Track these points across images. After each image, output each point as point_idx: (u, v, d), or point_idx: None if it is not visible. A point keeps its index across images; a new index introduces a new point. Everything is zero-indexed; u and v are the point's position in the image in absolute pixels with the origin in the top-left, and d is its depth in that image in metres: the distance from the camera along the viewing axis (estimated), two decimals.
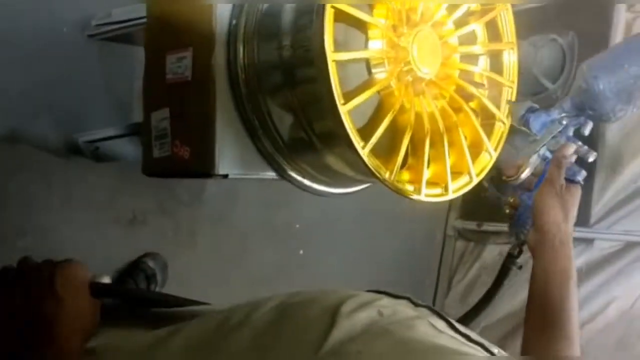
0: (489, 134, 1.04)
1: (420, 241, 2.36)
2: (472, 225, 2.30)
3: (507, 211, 1.02)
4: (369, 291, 0.68)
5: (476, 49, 1.02)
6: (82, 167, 1.48)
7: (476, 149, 1.02)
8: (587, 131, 0.95)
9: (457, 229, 2.37)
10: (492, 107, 1.03)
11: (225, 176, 0.94)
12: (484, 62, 1.05)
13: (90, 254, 1.52)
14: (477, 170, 1.02)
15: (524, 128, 0.94)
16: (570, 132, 0.95)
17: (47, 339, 0.64)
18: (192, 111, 0.96)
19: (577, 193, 0.92)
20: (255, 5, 0.91)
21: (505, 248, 2.21)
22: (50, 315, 0.65)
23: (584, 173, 0.93)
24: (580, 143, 0.94)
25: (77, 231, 1.51)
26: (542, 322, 0.87)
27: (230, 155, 0.94)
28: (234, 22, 0.92)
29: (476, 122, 1.00)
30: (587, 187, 1.96)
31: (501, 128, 1.05)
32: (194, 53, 0.95)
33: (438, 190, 0.95)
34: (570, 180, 0.93)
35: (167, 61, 0.98)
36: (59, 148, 1.45)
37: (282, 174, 1.00)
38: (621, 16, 2.04)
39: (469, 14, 1.01)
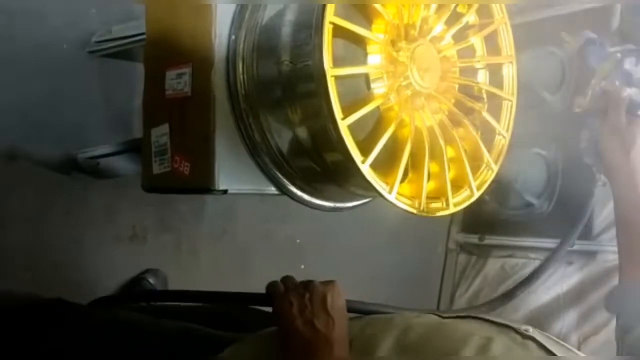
0: (489, 147, 1.04)
1: (422, 255, 2.36)
2: (474, 238, 2.29)
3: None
4: (463, 316, 0.76)
5: (475, 62, 1.02)
6: (83, 184, 1.49)
7: (476, 163, 1.02)
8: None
9: (458, 243, 2.36)
10: (492, 121, 1.03)
11: (225, 192, 0.93)
12: (483, 76, 1.05)
13: (91, 270, 1.52)
14: (478, 184, 1.01)
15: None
16: (627, 65, 0.96)
17: (324, 351, 0.76)
18: (192, 127, 0.96)
19: (637, 126, 0.94)
20: (255, 20, 0.92)
21: (508, 261, 2.22)
22: (323, 330, 0.77)
23: None
24: (634, 90, 0.96)
25: (78, 248, 1.51)
26: (630, 248, 0.95)
27: (230, 171, 0.94)
28: (233, 37, 0.92)
29: (476, 136, 1.00)
30: (589, 199, 1.97)
31: (501, 141, 1.05)
32: (194, 69, 0.95)
33: (439, 204, 0.95)
34: (633, 112, 0.94)
35: (166, 77, 0.98)
36: (59, 164, 1.45)
37: (282, 189, 0.99)
38: (616, 28, 2.04)
39: (468, 27, 1.01)
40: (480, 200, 2.24)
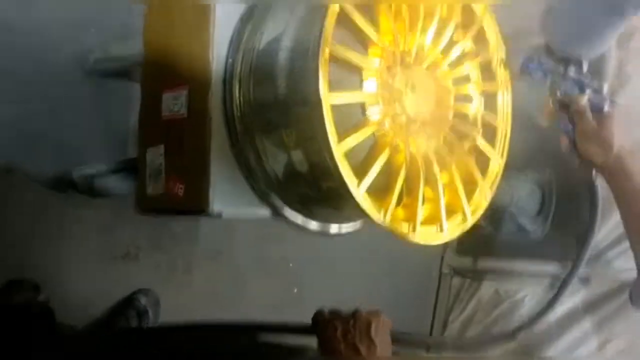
0: (484, 173, 1.04)
1: (415, 278, 2.35)
2: (467, 262, 2.29)
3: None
4: None
5: (470, 89, 1.02)
6: (77, 202, 1.48)
7: (471, 188, 1.02)
8: (584, 69, 0.99)
9: (452, 266, 2.35)
10: (486, 147, 1.03)
11: (219, 214, 0.93)
12: (478, 102, 1.05)
13: (83, 289, 1.51)
14: (472, 209, 1.01)
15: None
16: (571, 73, 0.98)
17: None
18: (188, 148, 0.96)
19: (609, 121, 0.99)
20: (252, 44, 0.92)
21: (502, 285, 2.21)
22: (365, 355, 0.82)
23: (607, 100, 0.97)
24: (589, 91, 0.98)
25: (71, 266, 1.50)
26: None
27: (225, 193, 0.93)
28: (230, 60, 0.93)
29: (471, 162, 1.00)
30: (582, 223, 1.98)
31: (496, 167, 1.05)
32: (191, 91, 0.95)
33: (433, 230, 0.95)
34: (599, 112, 0.97)
35: (163, 98, 0.99)
36: (54, 182, 1.44)
37: (277, 213, 0.99)
38: (612, 53, 2.06)
39: (463, 55, 1.02)
40: (474, 223, 2.24)
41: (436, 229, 0.96)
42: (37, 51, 1.38)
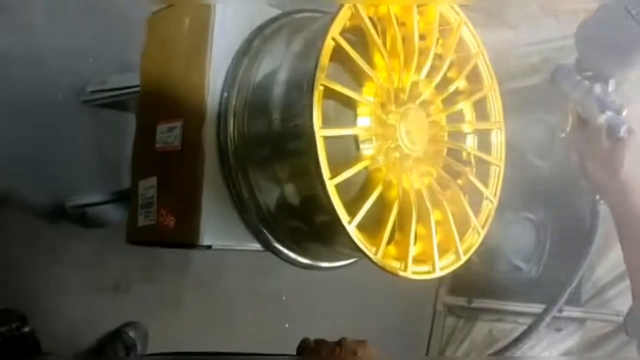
0: (477, 211, 1.04)
1: (409, 317, 2.33)
2: (462, 301, 2.27)
3: None
4: None
5: (464, 127, 1.03)
6: (68, 232, 1.47)
7: (464, 227, 1.02)
8: (610, 88, 0.99)
9: (446, 305, 2.34)
10: (479, 185, 1.03)
11: (209, 247, 0.92)
12: (471, 141, 1.06)
13: (72, 320, 1.49)
14: (465, 248, 1.01)
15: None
16: (597, 90, 0.98)
17: None
18: (180, 181, 0.96)
19: (621, 146, 0.98)
20: (248, 78, 0.93)
21: (496, 325, 2.19)
22: None
23: (625, 125, 0.96)
24: (609, 112, 0.98)
25: (60, 297, 1.48)
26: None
27: (216, 226, 0.93)
28: (225, 94, 0.93)
29: (464, 200, 1.00)
30: (577, 263, 1.97)
31: (488, 206, 1.05)
32: (185, 123, 0.95)
33: (425, 268, 0.94)
34: (614, 135, 0.96)
35: (157, 130, 0.99)
36: (47, 211, 1.44)
37: (268, 246, 0.99)
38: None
39: (457, 93, 1.03)
40: (468, 263, 2.23)
41: (428, 268, 0.95)
42: (33, 80, 1.39)
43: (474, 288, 2.23)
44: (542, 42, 2.18)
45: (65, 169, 1.46)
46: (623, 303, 1.93)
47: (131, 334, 1.55)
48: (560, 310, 2.00)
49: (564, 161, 2.10)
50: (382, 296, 2.08)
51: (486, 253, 2.22)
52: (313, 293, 1.92)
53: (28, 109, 1.39)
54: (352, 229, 0.82)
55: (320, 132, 0.79)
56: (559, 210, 2.11)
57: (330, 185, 0.80)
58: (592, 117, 1.03)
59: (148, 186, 1.00)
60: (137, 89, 1.13)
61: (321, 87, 0.79)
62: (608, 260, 1.97)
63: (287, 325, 1.85)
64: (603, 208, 1.93)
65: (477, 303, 2.22)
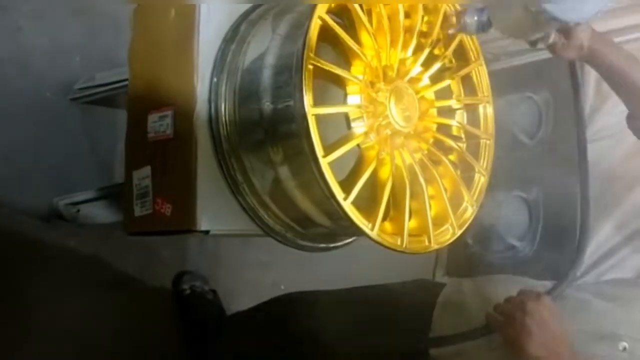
0: (469, 186, 1.05)
1: None
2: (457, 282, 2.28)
3: None
4: None
5: (452, 103, 1.04)
6: (63, 231, 1.47)
7: (457, 201, 1.03)
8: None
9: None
10: (471, 160, 1.04)
11: (207, 232, 0.93)
12: (460, 117, 1.07)
13: (67, 318, 1.49)
14: (459, 223, 1.02)
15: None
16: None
17: None
18: (174, 168, 0.96)
19: (574, 33, 1.02)
20: (236, 63, 0.94)
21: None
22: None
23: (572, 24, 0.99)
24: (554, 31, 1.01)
25: (56, 295, 1.48)
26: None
27: (212, 211, 0.94)
28: (215, 80, 0.94)
29: (456, 175, 1.01)
30: (571, 240, 1.98)
31: (481, 180, 1.06)
32: (176, 111, 0.96)
33: (421, 242, 0.95)
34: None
35: (148, 120, 0.99)
36: (40, 211, 1.44)
37: (265, 229, 0.99)
38: (592, 73, 2.09)
39: (444, 69, 1.04)
40: (463, 243, 2.25)
41: (424, 242, 0.96)
42: (21, 79, 1.39)
43: (469, 268, 2.24)
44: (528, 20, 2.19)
45: (57, 168, 1.46)
46: (617, 274, 1.95)
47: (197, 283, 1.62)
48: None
49: (552, 139, 2.15)
50: (380, 278, 2.09)
51: (480, 233, 2.24)
52: (311, 282, 1.93)
53: (16, 109, 1.38)
54: (347, 204, 0.83)
55: (311, 111, 0.79)
56: (550, 187, 2.13)
57: (324, 162, 0.81)
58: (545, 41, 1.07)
59: (142, 176, 1.01)
60: (126, 83, 1.13)
61: (310, 66, 0.80)
62: (600, 235, 1.99)
63: (282, 287, 1.85)
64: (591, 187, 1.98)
65: None
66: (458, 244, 2.33)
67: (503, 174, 2.05)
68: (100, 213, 1.39)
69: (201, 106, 0.94)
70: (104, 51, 1.47)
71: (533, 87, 2.22)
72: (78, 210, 1.42)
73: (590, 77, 2.10)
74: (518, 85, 2.23)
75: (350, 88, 0.89)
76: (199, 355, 1.54)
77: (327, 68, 0.82)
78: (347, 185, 0.86)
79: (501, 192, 2.17)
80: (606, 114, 2.07)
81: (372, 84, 0.91)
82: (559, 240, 2.06)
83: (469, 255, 2.30)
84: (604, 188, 2.00)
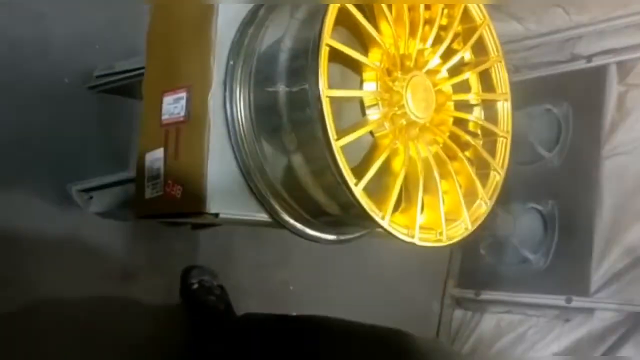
0: (484, 183, 1.04)
1: (417, 309, 2.31)
2: (470, 293, 2.26)
3: None
4: None
5: (470, 97, 1.03)
6: (75, 218, 1.47)
7: (471, 198, 1.01)
8: None
9: (454, 297, 2.32)
10: (487, 157, 1.03)
11: (216, 215, 0.92)
12: (477, 113, 1.05)
13: (76, 308, 1.48)
14: (472, 219, 1.00)
15: None
16: None
17: None
18: (187, 150, 0.96)
19: None
20: (253, 47, 0.93)
21: (504, 317, 2.18)
22: None
23: None
24: None
25: (65, 284, 1.48)
26: None
27: (222, 194, 0.93)
28: (231, 62, 0.94)
29: (471, 171, 1.00)
30: (586, 254, 1.96)
31: (496, 177, 1.05)
32: (191, 93, 0.96)
33: (433, 237, 0.94)
34: None
35: (163, 102, 0.99)
36: (52, 196, 1.44)
37: (275, 216, 0.98)
38: (613, 89, 2.08)
39: (463, 64, 1.03)
40: (476, 254, 2.23)
41: (436, 236, 0.95)
42: (41, 64, 1.40)
43: (482, 280, 2.22)
44: (550, 34, 2.18)
45: (70, 155, 1.46)
46: (634, 293, 1.91)
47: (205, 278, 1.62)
48: (569, 301, 1.99)
49: (571, 152, 2.13)
50: (391, 288, 2.07)
51: (494, 244, 2.21)
52: (321, 284, 1.92)
53: (33, 93, 1.39)
54: (358, 190, 0.82)
55: (326, 92, 0.79)
56: (567, 201, 2.11)
57: (337, 146, 0.80)
58: None
59: (155, 158, 1.00)
60: (144, 71, 1.13)
61: (327, 48, 0.79)
62: (617, 250, 1.96)
63: (294, 314, 1.83)
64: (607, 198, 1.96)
65: (485, 295, 2.20)
66: (471, 255, 2.32)
67: (519, 185, 2.04)
68: (112, 201, 1.39)
69: (216, 89, 0.94)
70: (124, 41, 1.48)
71: (553, 100, 2.21)
72: (90, 197, 1.42)
73: (612, 92, 2.09)
74: (538, 97, 2.22)
75: (366, 74, 0.88)
76: (204, 349, 1.52)
77: (344, 50, 0.81)
78: (359, 172, 0.85)
79: (517, 204, 2.16)
80: (627, 130, 2.05)
81: (389, 72, 0.90)
82: (573, 255, 2.04)
83: (482, 267, 2.28)
84: (622, 203, 1.98)
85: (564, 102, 2.21)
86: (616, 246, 1.95)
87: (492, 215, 1.04)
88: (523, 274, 2.13)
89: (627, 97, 2.08)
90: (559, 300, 2.01)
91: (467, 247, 2.27)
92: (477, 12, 1.02)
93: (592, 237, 1.98)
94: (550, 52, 2.21)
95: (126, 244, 1.59)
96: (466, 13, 1.01)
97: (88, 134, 1.50)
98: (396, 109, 0.91)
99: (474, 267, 2.26)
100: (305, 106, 0.85)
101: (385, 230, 0.86)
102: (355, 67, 0.88)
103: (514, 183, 1.13)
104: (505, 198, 1.08)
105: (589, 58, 2.13)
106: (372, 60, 0.89)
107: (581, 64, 2.15)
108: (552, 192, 2.13)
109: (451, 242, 0.96)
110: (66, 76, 1.44)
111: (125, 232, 1.57)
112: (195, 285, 1.61)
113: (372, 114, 0.89)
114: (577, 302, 1.97)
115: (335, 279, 1.95)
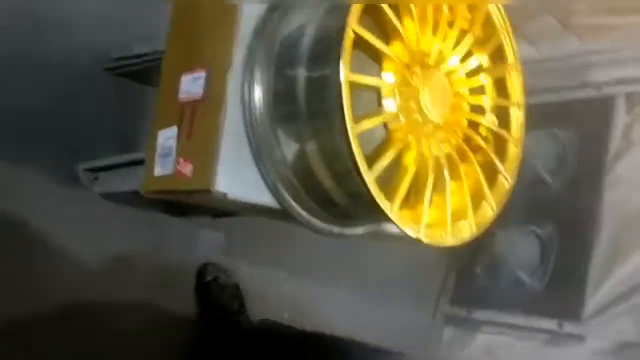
0: (492, 189, 1.04)
1: (408, 325, 2.29)
2: (462, 312, 2.25)
3: None
4: None
5: (485, 100, 1.04)
6: (79, 198, 1.47)
7: (477, 202, 1.02)
8: None
9: (446, 315, 2.31)
10: (498, 163, 1.03)
11: (225, 195, 0.92)
12: (491, 117, 1.06)
13: (76, 290, 1.48)
14: (477, 223, 1.01)
15: None
16: None
17: None
18: (200, 130, 0.97)
19: None
20: (276, 32, 0.94)
21: (496, 339, 2.16)
22: None
23: None
24: None
25: (66, 264, 1.47)
26: None
27: (232, 175, 0.93)
28: (253, 45, 0.94)
29: (480, 174, 1.00)
30: (581, 280, 1.96)
31: (505, 185, 1.05)
32: (210, 74, 0.96)
33: (438, 233, 0.94)
34: None
35: (182, 80, 1.00)
36: (58, 175, 1.44)
37: (283, 203, 0.98)
38: (620, 118, 2.10)
39: (481, 69, 1.04)
40: (472, 273, 2.22)
41: (441, 235, 0.95)
42: (62, 41, 1.41)
43: (475, 299, 2.21)
44: (562, 59, 2.20)
45: (80, 134, 1.47)
46: (627, 323, 1.91)
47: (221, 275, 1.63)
48: (560, 326, 1.99)
49: (574, 178, 2.13)
50: (383, 303, 2.07)
51: (491, 264, 2.21)
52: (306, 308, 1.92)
53: (50, 69, 1.40)
54: (371, 177, 0.82)
55: (347, 77, 0.79)
56: (566, 226, 2.11)
57: (352, 131, 0.81)
58: None
59: (168, 136, 1.01)
60: (162, 55, 1.14)
61: (352, 34, 0.80)
62: (613, 278, 1.96)
63: (286, 316, 1.83)
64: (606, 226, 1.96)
65: (477, 314, 2.19)
66: (466, 274, 2.32)
67: (520, 207, 2.05)
68: (118, 183, 1.39)
69: (236, 70, 0.94)
70: (146, 26, 1.49)
71: (559, 125, 2.23)
72: (96, 178, 1.43)
73: (619, 122, 2.11)
74: (545, 121, 2.23)
75: (386, 64, 0.89)
76: (218, 349, 1.53)
77: (368, 38, 0.82)
78: (370, 163, 0.85)
79: (516, 225, 2.16)
80: (631, 160, 2.06)
81: (408, 66, 0.91)
82: (568, 280, 2.04)
83: (477, 286, 2.27)
84: (621, 232, 1.98)
85: (571, 127, 2.22)
86: (612, 275, 1.95)
87: (490, 234, 1.04)
88: (517, 296, 2.12)
89: (633, 128, 2.10)
90: (551, 324, 2.01)
91: (463, 265, 2.27)
92: (499, 19, 1.03)
93: (589, 264, 1.99)
94: (561, 78, 2.23)
95: (129, 229, 1.58)
96: (488, 19, 1.02)
97: (100, 116, 1.50)
98: (412, 103, 0.91)
99: (468, 285, 2.26)
100: (324, 91, 0.85)
101: (391, 221, 0.86)
102: (376, 56, 0.89)
103: (515, 204, 1.14)
104: (504, 219, 1.08)
105: (598, 86, 2.15)
106: (393, 52, 0.90)
107: (590, 92, 2.17)
108: (552, 217, 2.14)
109: (455, 242, 0.96)
110: (84, 56, 1.45)
111: (128, 217, 1.56)
112: (210, 282, 1.61)
113: (388, 105, 0.89)
114: (569, 327, 1.97)
115: (329, 293, 1.94)
